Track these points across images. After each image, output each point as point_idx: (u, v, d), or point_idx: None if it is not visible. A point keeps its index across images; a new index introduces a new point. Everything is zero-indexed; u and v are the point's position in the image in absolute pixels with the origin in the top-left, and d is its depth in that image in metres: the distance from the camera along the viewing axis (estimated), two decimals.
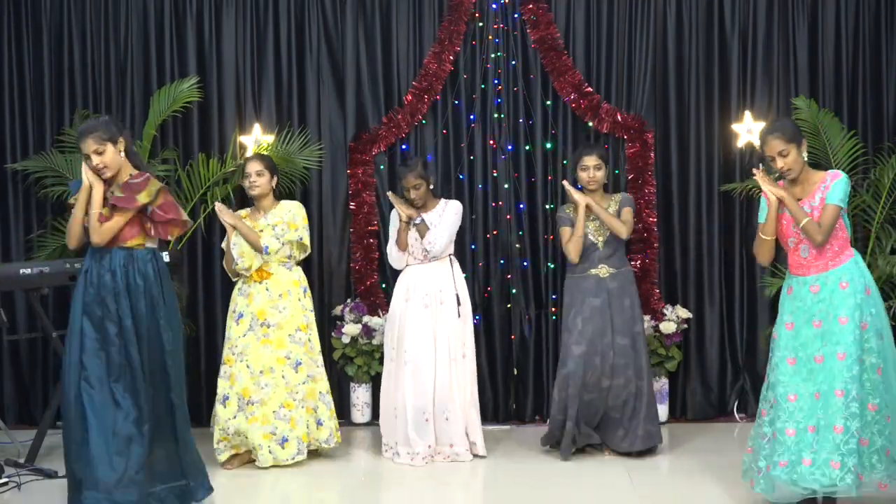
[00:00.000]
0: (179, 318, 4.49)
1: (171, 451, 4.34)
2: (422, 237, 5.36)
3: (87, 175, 4.26)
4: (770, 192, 4.31)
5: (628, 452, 5.32)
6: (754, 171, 4.40)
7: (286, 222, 5.30)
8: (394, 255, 5.51)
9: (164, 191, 4.33)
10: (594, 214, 5.33)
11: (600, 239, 5.34)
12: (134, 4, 6.21)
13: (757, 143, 6.06)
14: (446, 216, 5.42)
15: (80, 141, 4.24)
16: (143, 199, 4.25)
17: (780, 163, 4.28)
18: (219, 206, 5.31)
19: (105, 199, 4.27)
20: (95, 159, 4.22)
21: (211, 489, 4.50)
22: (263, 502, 4.88)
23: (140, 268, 4.28)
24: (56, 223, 6.01)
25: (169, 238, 4.39)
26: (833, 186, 4.23)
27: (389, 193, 5.54)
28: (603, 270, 5.34)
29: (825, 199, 4.23)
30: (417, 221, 5.36)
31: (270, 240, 5.25)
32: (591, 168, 5.33)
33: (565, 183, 5.42)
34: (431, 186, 5.47)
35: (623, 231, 5.30)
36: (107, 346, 4.22)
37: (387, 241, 5.63)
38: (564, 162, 6.11)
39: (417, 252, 5.43)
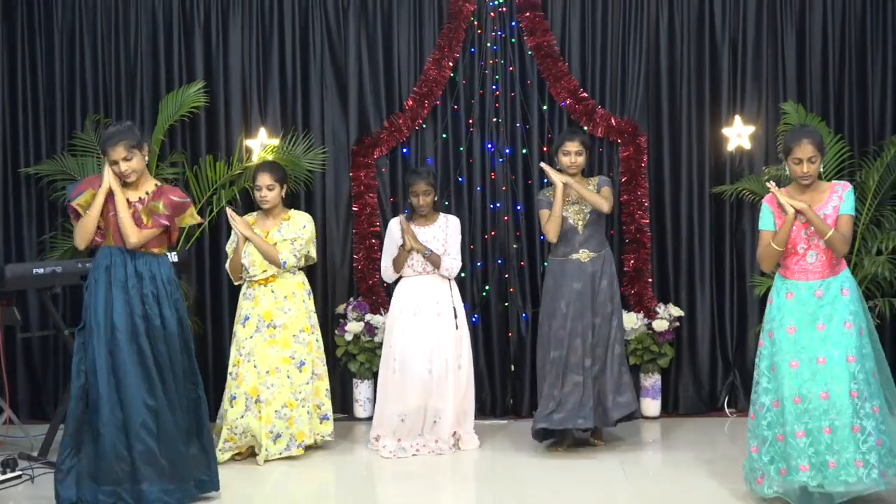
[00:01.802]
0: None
1: (193, 447, 4.45)
2: (437, 267, 5.45)
3: (110, 179, 4.31)
4: (788, 205, 4.29)
5: (615, 422, 5.38)
6: (770, 184, 4.41)
7: (304, 240, 5.38)
8: (388, 274, 5.60)
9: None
10: (576, 192, 5.31)
11: (580, 223, 5.37)
12: (143, 12, 6.29)
13: (747, 146, 6.18)
14: (453, 237, 5.51)
15: (109, 146, 4.26)
16: (185, 222, 4.46)
17: (805, 167, 4.28)
18: (232, 215, 5.31)
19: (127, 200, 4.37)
20: (124, 165, 4.28)
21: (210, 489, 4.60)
22: (264, 495, 4.93)
23: (164, 272, 4.41)
24: (68, 225, 6.07)
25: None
26: (846, 197, 4.31)
27: (401, 217, 5.48)
28: (584, 255, 5.37)
29: (839, 209, 4.29)
30: (427, 253, 5.43)
31: (289, 256, 5.32)
32: (573, 153, 5.35)
33: (543, 164, 5.42)
34: (436, 198, 5.58)
35: (604, 205, 5.29)
36: (137, 341, 4.30)
37: None
38: None
39: (417, 265, 5.51)
